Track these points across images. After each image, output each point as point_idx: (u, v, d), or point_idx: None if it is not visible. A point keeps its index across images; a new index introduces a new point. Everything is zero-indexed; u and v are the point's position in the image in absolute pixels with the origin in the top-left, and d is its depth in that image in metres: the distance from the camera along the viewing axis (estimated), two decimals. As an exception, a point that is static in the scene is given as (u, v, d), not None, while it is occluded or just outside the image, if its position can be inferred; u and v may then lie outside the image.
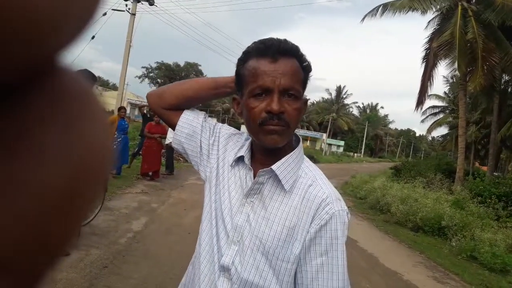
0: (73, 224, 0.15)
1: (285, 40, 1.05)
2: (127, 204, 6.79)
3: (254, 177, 1.08)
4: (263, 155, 1.10)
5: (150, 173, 9.60)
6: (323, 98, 74.25)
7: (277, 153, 1.07)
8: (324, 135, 56.35)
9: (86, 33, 0.14)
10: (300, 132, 56.76)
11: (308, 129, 61.72)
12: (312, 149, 47.33)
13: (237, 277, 1.03)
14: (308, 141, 55.89)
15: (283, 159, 1.06)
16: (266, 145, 1.04)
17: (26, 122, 0.13)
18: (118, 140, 8.71)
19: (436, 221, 8.47)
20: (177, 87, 1.26)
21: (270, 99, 1.00)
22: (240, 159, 1.14)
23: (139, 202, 7.11)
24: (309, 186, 1.06)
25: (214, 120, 1.28)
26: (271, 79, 0.99)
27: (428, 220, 8.61)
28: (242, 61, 1.07)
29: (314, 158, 32.77)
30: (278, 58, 1.01)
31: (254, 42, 1.07)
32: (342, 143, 64.58)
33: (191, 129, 1.22)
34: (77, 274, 3.67)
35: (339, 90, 69.66)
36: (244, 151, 1.13)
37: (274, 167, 1.04)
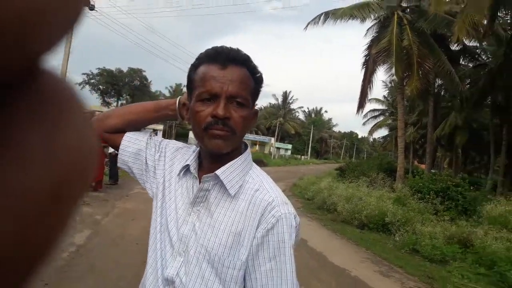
0: (56, 229, 0.14)
1: (237, 49, 1.06)
2: (69, 216, 6.43)
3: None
4: (210, 162, 1.08)
5: (93, 184, 9.18)
6: (270, 103, 75.25)
7: (224, 160, 1.06)
8: (272, 139, 57.13)
9: (70, 34, 0.14)
10: (249, 136, 57.10)
11: (256, 133, 62.22)
12: (261, 153, 47.77)
13: None
14: (257, 146, 56.36)
15: (227, 164, 1.05)
16: (210, 150, 1.03)
17: (8, 124, 0.13)
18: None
19: (380, 218, 8.84)
20: (119, 111, 1.27)
21: (217, 104, 1.00)
22: (187, 169, 1.13)
23: (81, 214, 6.76)
24: (256, 190, 1.05)
25: (160, 137, 1.28)
26: (219, 85, 1.00)
27: (372, 217, 8.96)
28: (194, 66, 1.07)
29: (263, 161, 33.04)
30: (228, 65, 1.02)
31: (207, 49, 1.07)
32: (289, 146, 65.82)
33: (135, 147, 1.21)
34: (13, 294, 3.40)
35: (285, 95, 71.02)
36: (190, 160, 1.12)
37: (218, 172, 1.03)
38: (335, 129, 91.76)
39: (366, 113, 35.47)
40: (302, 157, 63.30)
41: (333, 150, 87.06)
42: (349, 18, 16.17)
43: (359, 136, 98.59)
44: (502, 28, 16.77)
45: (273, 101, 73.06)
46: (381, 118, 35.68)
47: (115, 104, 51.51)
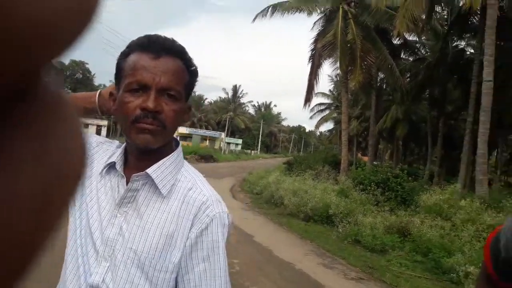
0: (44, 233, 0.14)
1: (172, 39, 1.00)
2: None
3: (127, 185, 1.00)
4: (138, 159, 1.01)
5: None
6: (220, 97, 74.94)
7: (153, 158, 0.99)
8: (223, 134, 56.92)
9: (81, 41, 0.14)
10: (198, 131, 56.59)
11: (206, 128, 61.78)
12: (211, 148, 47.50)
13: None
14: (207, 141, 55.95)
15: (159, 162, 0.99)
16: (138, 145, 0.96)
17: (3, 130, 0.13)
18: None
19: (324, 210, 9.07)
20: None
21: (147, 96, 0.93)
22: (111, 167, 1.04)
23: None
24: (189, 189, 1.01)
25: None
26: (150, 75, 0.93)
27: (317, 210, 9.18)
28: (124, 54, 0.99)
29: (213, 157, 32.85)
30: (161, 55, 0.95)
31: (139, 37, 1.00)
32: (240, 141, 65.97)
33: None
34: None
35: (235, 89, 70.96)
36: (116, 157, 1.03)
37: (149, 170, 0.97)
38: (284, 123, 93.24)
39: (313, 107, 36.33)
40: (252, 152, 63.63)
41: (282, 144, 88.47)
42: (296, 11, 16.37)
43: (307, 130, 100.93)
44: (439, 23, 17.77)
45: (223, 95, 72.88)
46: (327, 112, 36.66)
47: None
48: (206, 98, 73.73)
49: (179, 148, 1.08)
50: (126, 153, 1.05)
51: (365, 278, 5.55)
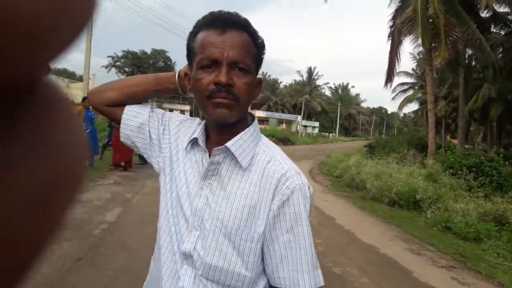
0: (46, 230, 0.15)
1: (235, 12, 1.01)
2: (100, 195, 6.61)
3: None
4: (218, 134, 1.05)
5: (123, 163, 9.39)
6: (295, 80, 74.35)
7: (232, 132, 1.03)
8: (299, 117, 56.67)
9: (79, 41, 0.14)
10: (275, 115, 56.91)
11: (282, 111, 61.89)
12: (288, 131, 47.57)
13: (200, 263, 1.00)
14: (284, 124, 56.15)
15: (237, 136, 1.02)
16: (215, 120, 0.99)
17: (4, 127, 0.13)
18: (87, 131, 8.43)
19: (411, 194, 8.65)
20: (118, 83, 1.22)
21: (219, 71, 0.95)
22: (194, 142, 1.10)
23: (112, 193, 6.94)
24: (268, 162, 1.02)
25: (162, 110, 1.23)
26: (219, 50, 0.95)
27: (402, 194, 8.78)
28: (192, 34, 1.02)
29: (290, 140, 32.97)
30: (227, 29, 0.97)
31: (204, 15, 1.02)
32: (317, 124, 65.17)
33: (137, 121, 1.17)
34: (49, 268, 3.53)
35: (310, 71, 69.91)
36: (197, 133, 1.08)
37: (228, 144, 1.00)
38: (364, 105, 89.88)
39: (395, 87, 34.54)
40: (330, 134, 62.57)
41: (362, 127, 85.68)
42: (373, -14, 15.55)
43: (389, 112, 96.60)
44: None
45: (298, 78, 72.20)
46: (411, 92, 34.61)
47: (142, 85, 51.97)
48: (281, 82, 73.50)
49: (255, 123, 1.10)
50: (207, 129, 1.09)
51: (457, 267, 5.24)
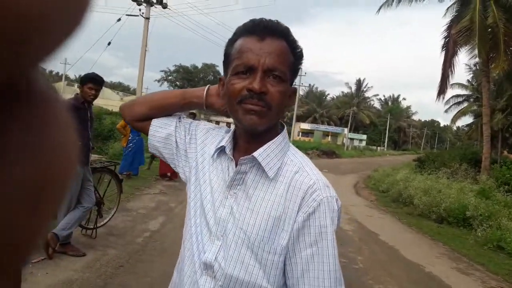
0: (39, 221, 0.15)
1: (276, 21, 1.01)
2: (145, 204, 6.87)
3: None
4: (246, 142, 1.04)
5: (169, 174, 9.69)
6: (342, 92, 73.31)
7: (260, 140, 1.01)
8: (346, 130, 55.71)
9: (71, 41, 0.14)
10: (320, 127, 56.35)
11: (328, 124, 61.16)
12: (334, 144, 46.90)
13: (221, 274, 0.99)
14: (329, 137, 55.43)
15: (265, 146, 1.01)
16: (245, 126, 0.99)
17: None
18: (134, 141, 8.80)
19: (461, 211, 8.24)
20: (146, 98, 1.25)
21: (253, 78, 0.95)
22: (222, 151, 1.08)
23: (157, 202, 7.18)
24: (295, 173, 1.00)
25: (190, 120, 1.24)
26: (255, 57, 0.95)
27: (452, 211, 8.39)
28: (230, 41, 1.03)
29: (335, 153, 32.43)
30: (266, 37, 0.97)
31: (245, 22, 1.03)
32: (364, 137, 63.66)
33: (164, 132, 1.19)
34: (93, 274, 3.72)
35: (359, 83, 68.73)
36: (225, 142, 1.08)
37: (255, 154, 0.99)
38: (415, 117, 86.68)
39: (449, 100, 33.05)
40: (378, 148, 60.88)
41: (412, 140, 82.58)
42: (426, -3, 15.16)
43: (441, 125, 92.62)
44: None
45: (346, 90, 71.19)
46: (465, 104, 32.95)
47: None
48: (328, 94, 72.75)
49: (284, 131, 1.08)
50: (235, 137, 1.08)
51: (509, 289, 4.91)
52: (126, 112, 1.24)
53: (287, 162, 1.02)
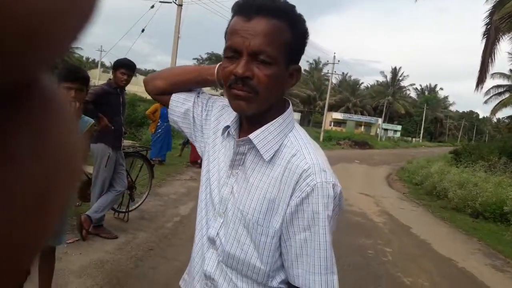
0: (47, 220, 0.15)
1: None
2: (176, 190, 7.00)
3: None
4: (248, 123, 1.04)
5: (199, 161, 9.81)
6: (377, 81, 71.42)
7: (261, 121, 1.00)
8: (380, 120, 54.50)
9: (79, 40, 0.15)
10: (353, 117, 55.38)
11: (362, 114, 60.01)
12: (367, 134, 46.05)
13: (221, 250, 1.03)
14: (362, 127, 54.43)
15: (263, 127, 0.99)
16: (234, 111, 1.00)
17: (4, 127, 0.13)
18: (162, 128, 8.95)
19: (498, 206, 7.92)
20: (165, 72, 1.27)
21: (239, 61, 0.92)
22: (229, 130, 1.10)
23: (188, 188, 7.30)
24: (293, 156, 0.98)
25: (208, 95, 1.25)
26: (240, 39, 0.91)
27: (488, 206, 8.07)
28: (229, 21, 1.00)
29: (368, 144, 31.86)
30: (253, 16, 0.91)
31: None
32: (399, 127, 61.99)
33: (183, 108, 1.21)
34: (124, 256, 3.84)
35: (394, 72, 66.78)
36: (231, 121, 1.08)
37: (251, 136, 0.98)
38: (452, 108, 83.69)
39: (488, 90, 31.82)
40: (413, 139, 59.24)
41: (449, 132, 79.89)
42: (467, -17, 14.45)
43: (480, 116, 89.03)
44: None
45: (381, 79, 69.31)
46: (507, 95, 31.54)
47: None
48: (362, 83, 71.11)
49: (288, 111, 1.04)
50: (241, 117, 1.08)
51: (548, 289, 4.70)
52: (148, 86, 1.26)
53: (287, 144, 1.00)
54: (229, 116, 1.13)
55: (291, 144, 1.00)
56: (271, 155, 0.99)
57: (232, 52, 0.94)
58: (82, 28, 0.14)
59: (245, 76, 0.91)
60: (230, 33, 0.95)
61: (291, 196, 0.95)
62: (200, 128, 1.20)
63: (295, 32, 0.95)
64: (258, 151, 0.99)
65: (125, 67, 4.04)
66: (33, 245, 0.15)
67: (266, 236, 0.97)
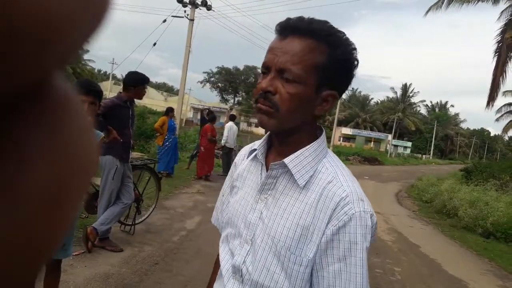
0: (60, 225, 0.15)
1: (309, 18, 0.94)
2: (183, 203, 6.98)
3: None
4: (278, 144, 1.02)
5: (209, 174, 9.81)
6: (387, 97, 71.29)
7: (292, 143, 0.99)
8: (389, 136, 54.18)
9: (91, 42, 0.15)
10: (362, 132, 55.16)
11: (371, 129, 59.74)
12: (376, 150, 45.74)
13: (248, 278, 0.98)
14: (372, 142, 54.12)
15: (298, 152, 0.97)
16: (259, 125, 0.98)
17: (15, 128, 0.13)
18: (170, 140, 8.98)
19: (510, 226, 7.77)
20: None
21: (266, 77, 0.94)
22: (255, 155, 1.08)
23: (195, 201, 7.28)
24: (329, 182, 0.95)
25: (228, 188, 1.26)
26: (272, 56, 0.93)
27: (500, 225, 7.92)
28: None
29: (378, 160, 31.62)
30: (288, 35, 0.93)
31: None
32: (409, 144, 61.47)
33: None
34: (129, 270, 3.81)
35: (405, 88, 66.62)
36: (258, 145, 1.07)
37: (286, 160, 0.96)
38: (463, 125, 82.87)
39: (500, 108, 31.56)
40: (423, 156, 58.69)
41: (460, 149, 79.00)
42: (477, 1, 14.47)
43: (492, 134, 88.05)
44: None
45: (391, 95, 69.10)
46: (519, 113, 31.26)
47: (232, 101, 54.24)
48: (372, 98, 71.01)
49: (322, 137, 1.02)
50: (270, 141, 1.07)
51: None
52: None
53: (322, 170, 0.98)
54: (249, 147, 1.15)
55: (326, 170, 0.98)
56: (306, 181, 0.96)
57: (265, 68, 0.95)
58: (95, 28, 0.14)
59: (267, 91, 0.92)
60: (267, 51, 0.97)
61: (327, 224, 0.92)
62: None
63: (333, 56, 0.93)
64: (292, 176, 0.97)
65: (147, 82, 4.17)
66: (44, 249, 0.15)
67: (299, 265, 0.93)
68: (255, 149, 1.07)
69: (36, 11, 0.12)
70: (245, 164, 1.12)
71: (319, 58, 0.92)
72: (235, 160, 1.22)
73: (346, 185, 0.95)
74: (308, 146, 0.98)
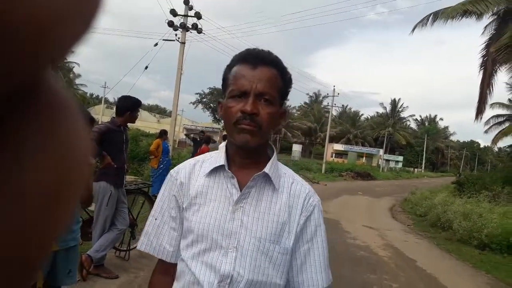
0: (55, 225, 0.15)
1: (268, 51, 1.15)
2: (178, 226, 6.91)
3: (238, 183, 1.12)
4: (242, 158, 1.15)
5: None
6: (377, 112, 72.13)
7: (255, 157, 1.15)
8: (381, 151, 54.52)
9: (82, 42, 0.15)
10: (354, 148, 55.44)
11: (363, 145, 60.12)
12: (369, 165, 45.97)
13: (240, 280, 1.07)
14: (364, 158, 54.38)
15: (270, 163, 1.14)
16: (238, 144, 1.09)
17: (11, 129, 0.14)
18: (164, 163, 8.95)
19: (504, 237, 7.80)
20: None
21: (246, 101, 1.07)
22: (218, 168, 1.14)
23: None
24: (291, 183, 1.18)
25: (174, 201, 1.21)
26: (248, 83, 1.07)
27: (495, 237, 7.95)
28: (228, 67, 1.15)
29: (370, 175, 31.67)
30: (258, 65, 1.09)
31: (241, 51, 1.16)
32: (400, 158, 61.84)
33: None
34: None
35: (394, 103, 67.52)
36: (222, 161, 1.13)
37: (266, 170, 1.12)
38: (453, 138, 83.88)
39: (488, 120, 32.03)
40: (415, 169, 59.00)
41: (451, 162, 79.67)
42: (462, 16, 14.85)
43: (481, 146, 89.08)
44: None
45: (381, 110, 69.89)
46: (507, 124, 31.70)
47: (224, 120, 54.30)
48: (362, 114, 71.77)
49: (275, 153, 1.21)
50: (227, 155, 1.16)
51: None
52: None
53: (281, 175, 1.19)
54: (200, 168, 1.18)
55: (284, 175, 1.20)
56: (277, 184, 1.15)
57: (239, 93, 1.08)
58: (86, 29, 0.14)
59: (253, 113, 1.06)
60: (236, 78, 1.10)
61: (299, 216, 1.14)
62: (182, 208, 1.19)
63: (285, 79, 1.15)
64: (265, 182, 1.14)
65: (139, 106, 4.22)
66: (42, 246, 0.15)
67: (283, 254, 1.10)
68: (219, 166, 1.13)
69: (29, 10, 0.12)
70: (201, 181, 1.15)
71: (279, 82, 1.13)
72: (178, 179, 1.19)
73: (304, 184, 1.21)
74: (273, 158, 1.18)
